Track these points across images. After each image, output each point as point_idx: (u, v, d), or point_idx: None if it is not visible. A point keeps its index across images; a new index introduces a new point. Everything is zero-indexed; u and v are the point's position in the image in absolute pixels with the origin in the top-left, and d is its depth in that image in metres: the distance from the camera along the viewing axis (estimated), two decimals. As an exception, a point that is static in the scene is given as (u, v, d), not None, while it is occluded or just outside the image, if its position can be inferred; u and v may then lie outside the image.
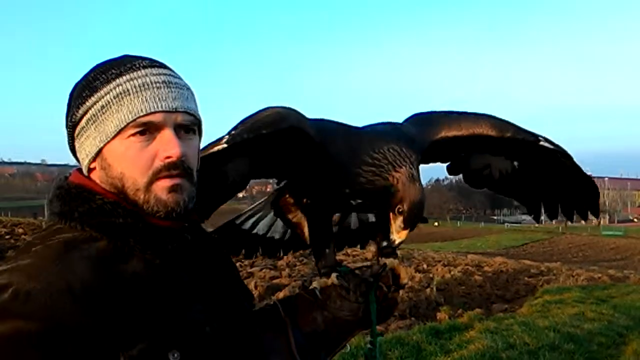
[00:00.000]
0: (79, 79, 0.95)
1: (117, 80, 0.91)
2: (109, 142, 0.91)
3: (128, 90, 0.90)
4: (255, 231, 1.48)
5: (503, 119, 1.31)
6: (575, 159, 1.33)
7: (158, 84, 0.91)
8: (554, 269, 16.20)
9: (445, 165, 1.46)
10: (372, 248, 1.41)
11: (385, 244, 1.25)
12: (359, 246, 1.60)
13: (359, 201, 1.22)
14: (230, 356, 0.94)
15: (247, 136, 1.08)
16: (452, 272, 12.98)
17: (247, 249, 1.49)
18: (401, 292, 1.31)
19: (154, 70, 0.93)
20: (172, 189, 0.91)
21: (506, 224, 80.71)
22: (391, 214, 1.15)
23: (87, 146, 0.93)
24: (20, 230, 18.70)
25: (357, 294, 1.18)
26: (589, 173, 1.38)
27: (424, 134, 1.28)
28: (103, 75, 0.92)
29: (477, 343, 5.33)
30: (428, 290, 9.80)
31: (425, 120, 1.33)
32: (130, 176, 0.90)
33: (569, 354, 5.12)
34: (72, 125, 0.94)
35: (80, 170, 0.97)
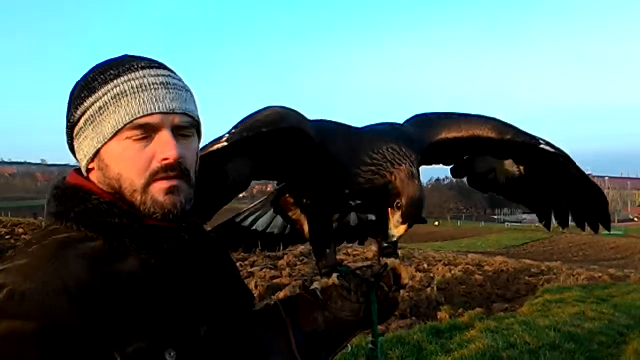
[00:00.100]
0: (79, 79, 0.95)
1: (116, 81, 0.91)
2: (106, 143, 0.90)
3: (126, 91, 0.90)
4: (254, 228, 1.48)
5: (504, 122, 1.29)
6: (576, 163, 1.30)
7: (156, 85, 0.91)
8: (554, 268, 16.18)
9: (446, 166, 1.45)
10: (373, 248, 1.41)
11: (386, 244, 1.25)
12: (357, 242, 1.60)
13: (359, 202, 1.22)
14: (228, 355, 0.94)
15: (247, 135, 1.08)
16: (452, 272, 12.96)
17: (247, 244, 1.49)
18: (402, 291, 1.31)
19: (153, 72, 0.93)
20: (169, 191, 0.91)
21: (507, 223, 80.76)
22: (390, 209, 1.15)
23: (85, 147, 0.93)
24: (21, 231, 18.69)
25: (358, 294, 1.18)
26: (588, 173, 1.36)
27: (424, 134, 1.27)
28: (102, 76, 0.92)
29: (478, 342, 5.33)
30: (429, 289, 9.79)
31: (425, 122, 1.32)
32: (128, 177, 0.90)
33: (569, 353, 5.11)
34: (71, 126, 0.94)
35: (78, 170, 0.97)
